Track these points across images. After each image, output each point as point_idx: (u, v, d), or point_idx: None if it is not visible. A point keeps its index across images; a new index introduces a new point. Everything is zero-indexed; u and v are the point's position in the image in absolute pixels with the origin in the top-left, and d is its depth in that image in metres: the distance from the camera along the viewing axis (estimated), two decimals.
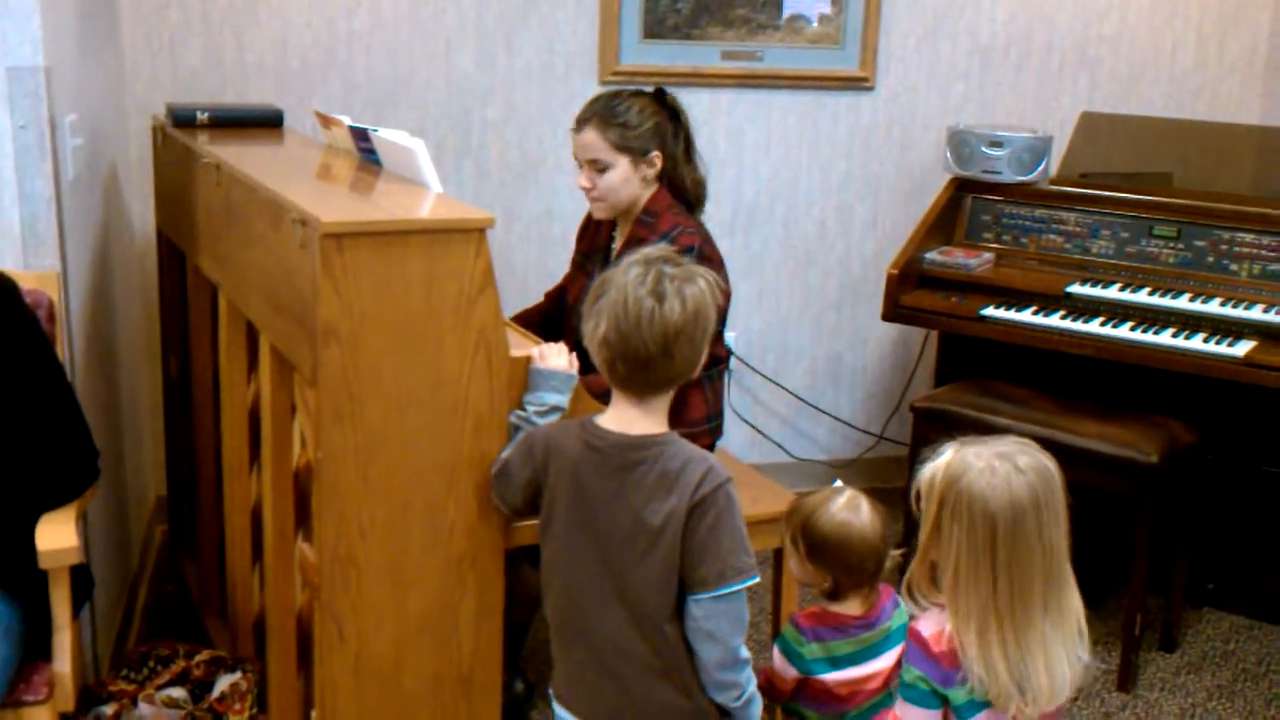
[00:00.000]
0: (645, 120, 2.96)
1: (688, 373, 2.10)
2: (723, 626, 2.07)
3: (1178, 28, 4.70)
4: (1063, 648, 1.97)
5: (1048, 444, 2.04)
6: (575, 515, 2.13)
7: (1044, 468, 1.96)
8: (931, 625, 2.00)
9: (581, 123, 2.97)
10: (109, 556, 3.15)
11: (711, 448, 2.95)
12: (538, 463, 2.18)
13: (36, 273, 2.58)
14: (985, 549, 1.93)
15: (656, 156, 2.97)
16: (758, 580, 2.10)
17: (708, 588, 2.05)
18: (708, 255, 2.90)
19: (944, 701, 2.00)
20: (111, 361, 3.32)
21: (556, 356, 2.34)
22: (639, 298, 2.02)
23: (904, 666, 2.05)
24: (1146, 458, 3.30)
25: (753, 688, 2.14)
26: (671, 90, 3.11)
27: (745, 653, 2.11)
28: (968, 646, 1.94)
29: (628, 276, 2.05)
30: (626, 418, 2.11)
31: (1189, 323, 3.58)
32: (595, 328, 2.07)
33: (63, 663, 2.28)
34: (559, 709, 2.23)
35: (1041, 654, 1.94)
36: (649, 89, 3.08)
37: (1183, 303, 3.60)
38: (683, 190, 3.05)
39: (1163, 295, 3.65)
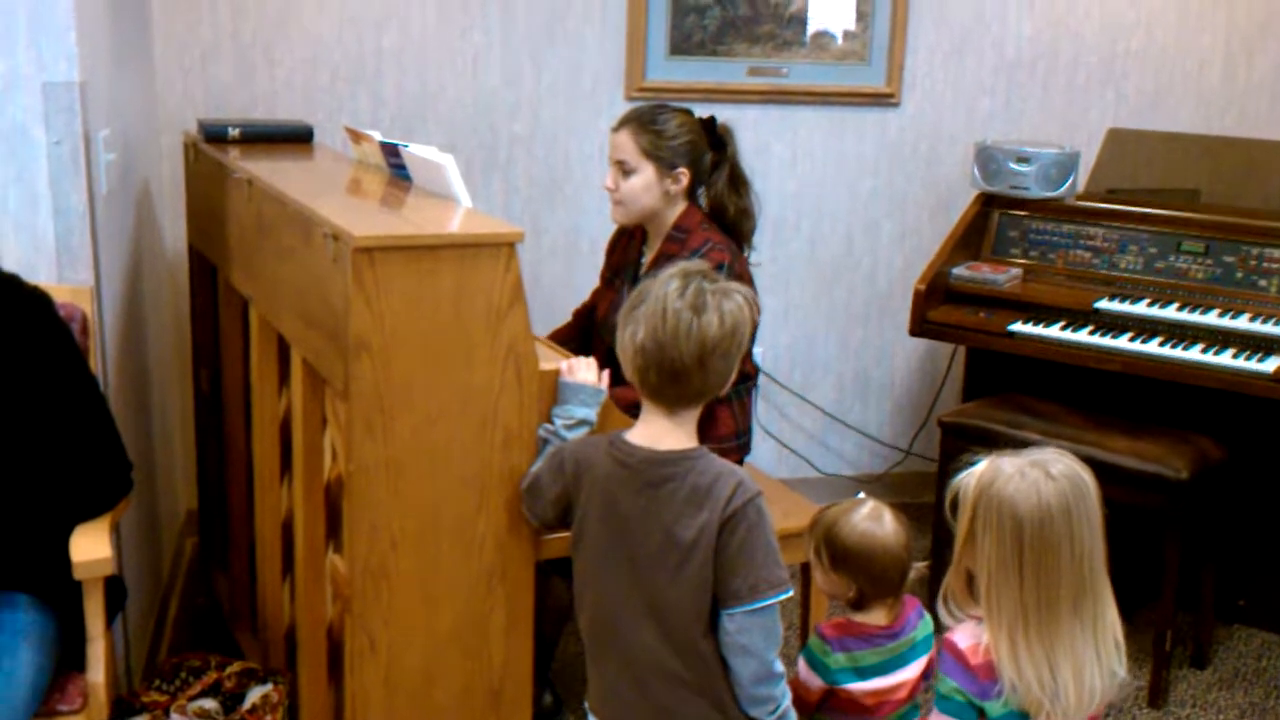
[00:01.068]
0: (681, 135, 2.97)
1: (719, 388, 2.11)
2: (757, 640, 2.07)
3: (1205, 43, 4.69)
4: (1095, 659, 1.96)
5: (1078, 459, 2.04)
6: (606, 531, 2.13)
7: (1077, 476, 1.96)
8: (968, 637, 2.01)
9: (620, 124, 3.01)
10: (141, 568, 3.17)
11: (740, 464, 2.95)
12: (568, 478, 2.19)
13: (70, 286, 2.60)
14: (1013, 553, 1.93)
15: (683, 174, 2.98)
16: (791, 594, 2.10)
17: (741, 601, 2.05)
18: (739, 273, 2.91)
19: (980, 713, 2.00)
20: (143, 375, 3.35)
21: (585, 370, 2.35)
22: (677, 310, 2.03)
23: (939, 678, 2.05)
24: (1176, 473, 3.29)
25: (787, 702, 2.14)
26: (697, 106, 3.12)
27: (780, 667, 2.11)
28: (1001, 653, 1.94)
29: (667, 288, 2.05)
30: (655, 432, 2.12)
31: (1217, 338, 3.56)
32: (632, 335, 2.07)
33: (96, 673, 2.30)
34: (591, 718, 2.23)
35: (1070, 663, 1.94)
36: (699, 111, 3.09)
37: (1211, 318, 3.59)
38: (723, 217, 3.06)
39: (1191, 311, 3.64)
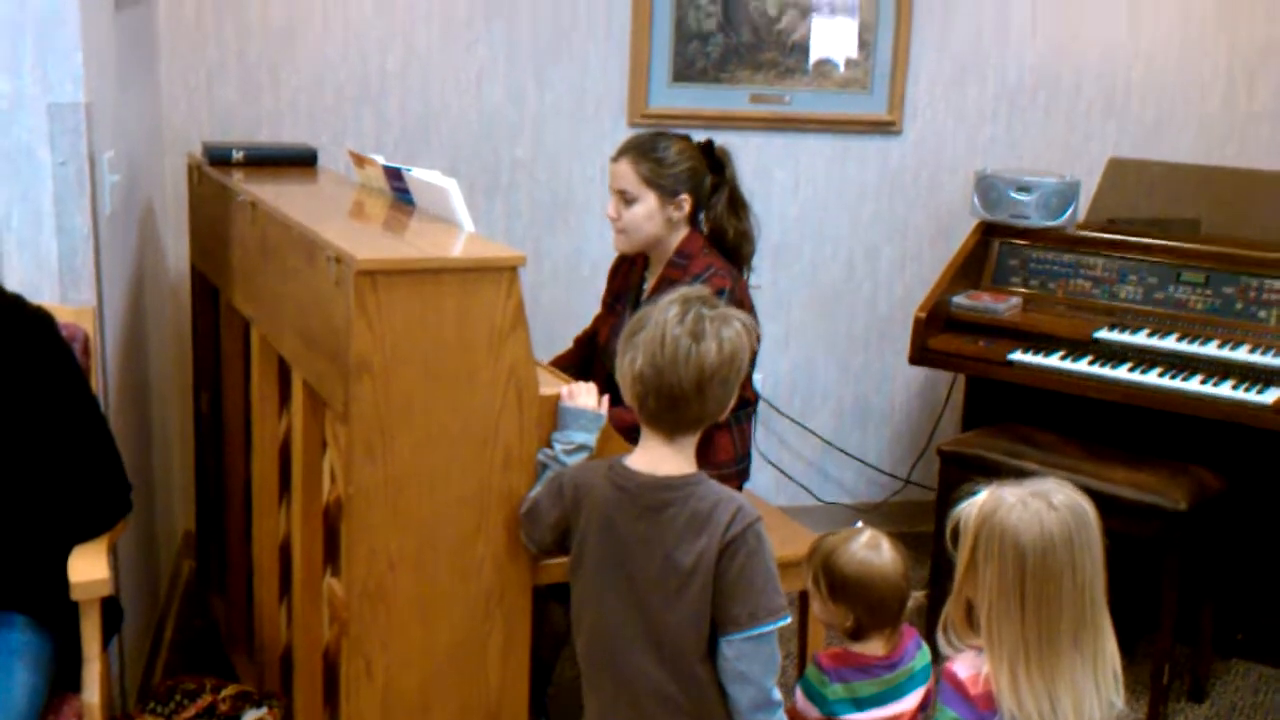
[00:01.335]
0: (681, 162, 2.98)
1: (717, 414, 2.11)
2: (755, 668, 2.07)
3: (1206, 73, 4.71)
4: (1095, 690, 1.96)
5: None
6: (605, 556, 2.13)
7: (1079, 506, 1.96)
8: (968, 667, 2.00)
9: (620, 153, 3.02)
10: (137, 590, 3.16)
11: (739, 490, 2.95)
12: (567, 503, 2.19)
13: (73, 307, 2.61)
14: (1015, 583, 1.93)
15: (685, 200, 2.99)
16: (789, 620, 2.10)
17: (740, 628, 2.05)
18: (739, 299, 2.91)
19: None
20: (144, 396, 3.35)
21: (585, 395, 2.35)
22: (676, 336, 2.04)
23: (938, 708, 2.04)
24: (1174, 505, 3.29)
25: None
26: (699, 132, 3.14)
27: (777, 694, 2.11)
28: (1001, 684, 1.94)
29: (666, 315, 2.07)
30: (654, 458, 2.12)
31: (1217, 369, 3.57)
32: (631, 362, 2.08)
33: (91, 694, 2.29)
34: None
35: (1070, 694, 1.94)
36: (699, 136, 3.10)
37: (1211, 349, 3.59)
38: (723, 240, 3.07)
39: (1190, 341, 3.64)
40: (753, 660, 2.07)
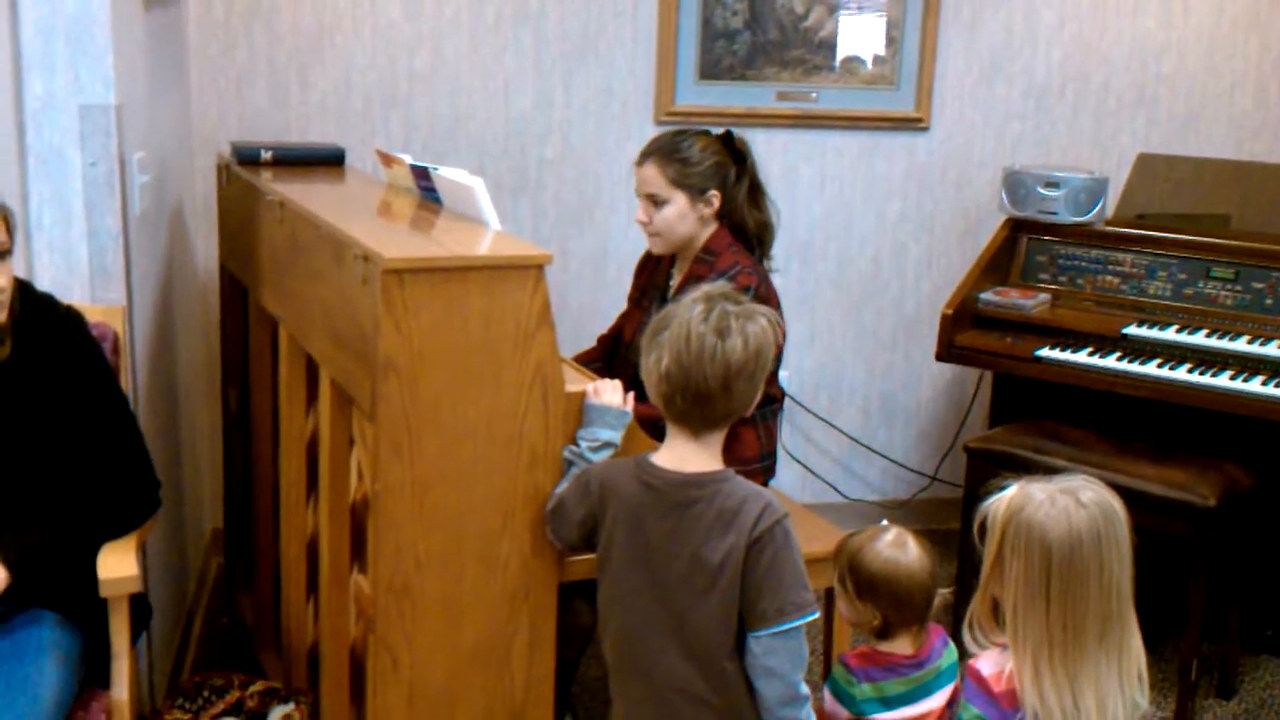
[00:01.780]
0: (706, 159, 2.98)
1: (743, 410, 2.12)
2: (783, 663, 2.07)
3: (1237, 67, 4.68)
4: (1119, 689, 1.95)
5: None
6: (632, 554, 2.14)
7: (1107, 504, 1.95)
8: (992, 665, 2.00)
9: (644, 157, 3.02)
10: (166, 587, 3.19)
11: (764, 486, 2.95)
12: (594, 500, 2.19)
13: (103, 306, 2.63)
14: (1041, 580, 1.93)
15: (715, 196, 3.00)
16: (817, 615, 2.11)
17: (768, 624, 2.06)
18: (764, 295, 2.91)
19: None
20: (173, 394, 3.37)
21: (611, 393, 2.36)
22: (701, 334, 2.04)
23: (963, 704, 2.04)
24: (1204, 501, 3.27)
25: None
26: (720, 128, 3.13)
27: (805, 689, 2.12)
28: (1025, 680, 1.94)
29: (691, 313, 2.07)
30: (682, 455, 2.13)
31: (1247, 365, 3.54)
32: (657, 361, 2.08)
33: (120, 690, 2.31)
34: None
35: (1093, 691, 1.93)
36: (716, 129, 3.10)
37: (1241, 345, 3.57)
38: (744, 231, 3.07)
39: (1220, 337, 3.62)
40: (781, 656, 2.07)
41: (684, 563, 2.08)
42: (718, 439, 2.14)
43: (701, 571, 2.07)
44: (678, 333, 2.06)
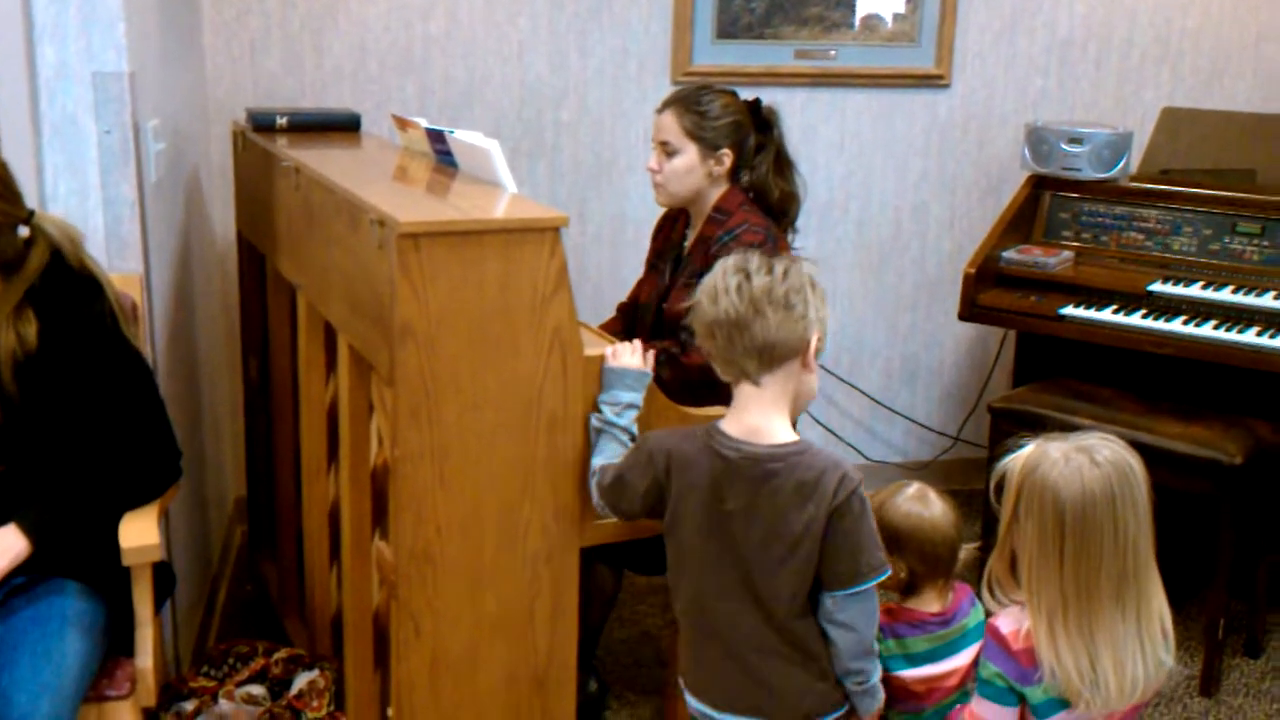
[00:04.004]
0: (724, 116, 2.96)
1: (791, 341, 2.10)
2: (857, 618, 2.12)
3: (1263, 19, 4.61)
4: (1139, 648, 1.94)
5: (1128, 444, 2.02)
6: (706, 523, 2.14)
7: (1124, 462, 1.94)
8: (1010, 622, 2.00)
9: (665, 105, 3.01)
10: (190, 556, 3.20)
11: None
12: (659, 470, 2.18)
13: (120, 275, 2.62)
14: (1054, 539, 1.93)
15: (727, 155, 2.97)
16: (890, 573, 2.15)
17: (845, 585, 2.10)
18: (772, 254, 2.88)
19: (1021, 699, 1.99)
20: (192, 363, 3.37)
21: (629, 355, 2.35)
22: (726, 273, 2.13)
23: (981, 662, 2.05)
24: (1230, 458, 3.24)
25: (877, 678, 2.19)
26: (744, 89, 3.10)
27: (876, 644, 2.17)
28: (1040, 639, 1.94)
29: (715, 274, 2.14)
30: (752, 423, 2.13)
31: (1273, 321, 3.50)
32: (699, 319, 2.14)
33: (145, 658, 2.32)
34: (691, 700, 2.25)
35: (1110, 651, 1.93)
36: (744, 95, 3.08)
37: (1267, 300, 3.53)
38: (768, 200, 3.04)
39: (1246, 293, 3.58)
40: (855, 612, 2.12)
41: (761, 533, 2.10)
42: (780, 389, 2.13)
43: (780, 541, 2.09)
44: (707, 284, 2.14)
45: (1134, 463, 1.95)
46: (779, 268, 2.12)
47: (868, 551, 2.10)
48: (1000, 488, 2.03)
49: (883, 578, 2.13)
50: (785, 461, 2.10)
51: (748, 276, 2.10)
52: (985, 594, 2.08)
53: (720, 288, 2.11)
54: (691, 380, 2.36)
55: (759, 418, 2.13)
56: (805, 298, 2.11)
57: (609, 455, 2.29)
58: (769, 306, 2.08)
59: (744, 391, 2.14)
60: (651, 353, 2.40)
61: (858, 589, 2.10)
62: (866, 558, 2.10)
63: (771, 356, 2.10)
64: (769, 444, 2.11)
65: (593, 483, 2.29)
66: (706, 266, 2.91)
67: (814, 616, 2.14)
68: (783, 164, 3.08)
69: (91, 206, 2.63)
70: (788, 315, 2.09)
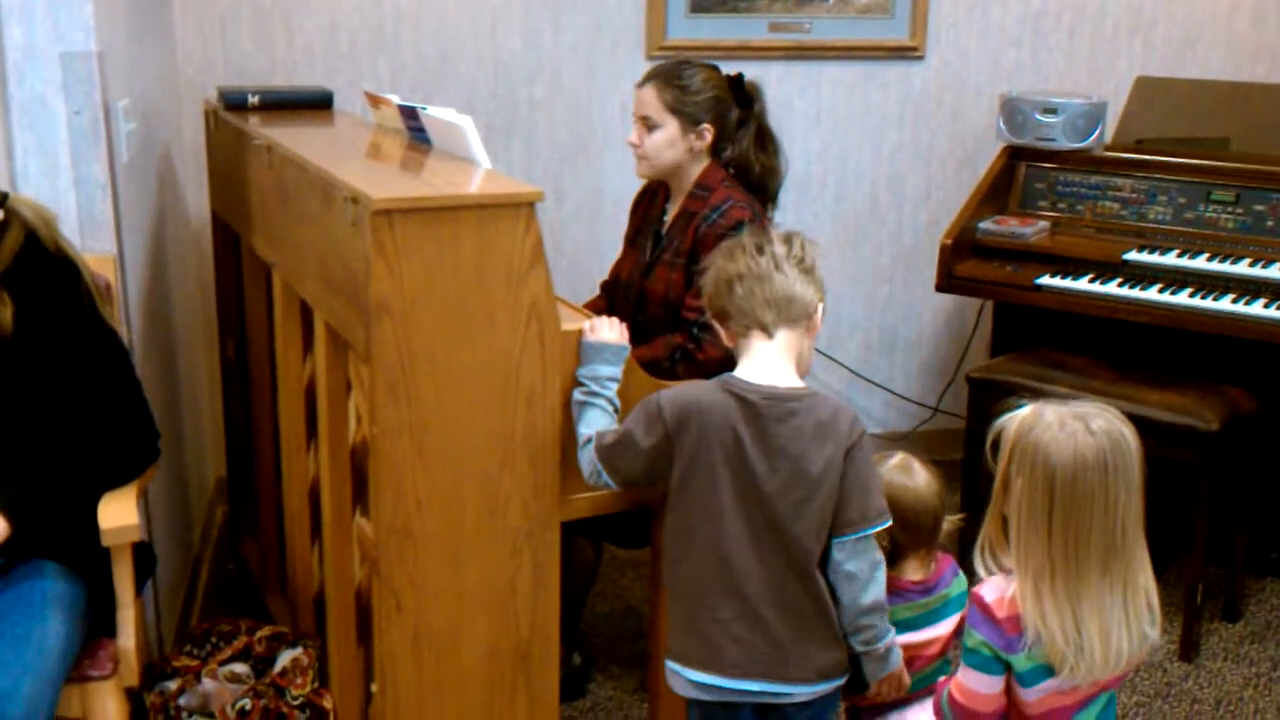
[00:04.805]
0: (705, 91, 2.96)
1: (808, 302, 2.23)
2: (864, 567, 2.17)
3: None
4: (1124, 620, 1.95)
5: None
6: (726, 471, 2.16)
7: (1119, 434, 1.94)
8: (994, 590, 2.01)
9: (646, 78, 3.01)
10: (171, 536, 3.19)
11: None
12: (669, 424, 2.18)
13: (94, 255, 2.61)
14: (1044, 503, 1.93)
15: (707, 130, 2.97)
16: (890, 523, 2.20)
17: (854, 528, 2.16)
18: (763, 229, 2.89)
19: (1006, 668, 2.00)
20: (169, 344, 3.36)
21: (608, 330, 2.34)
22: (743, 241, 2.25)
23: (966, 631, 2.05)
24: (1207, 425, 3.26)
25: (886, 641, 2.22)
26: (719, 64, 3.10)
27: (883, 598, 2.20)
28: (1027, 601, 1.95)
29: (730, 242, 2.27)
30: (767, 370, 2.19)
31: (1249, 288, 3.52)
32: (716, 278, 2.24)
33: (127, 639, 2.31)
34: (692, 673, 2.22)
35: (1096, 619, 1.93)
36: (729, 70, 3.07)
37: (1242, 268, 3.55)
38: (749, 176, 3.04)
39: (1221, 261, 3.60)
40: (861, 560, 2.16)
41: (783, 475, 2.14)
42: (789, 346, 2.22)
43: (801, 483, 2.14)
44: (723, 249, 2.27)
45: (1130, 435, 1.95)
46: (795, 240, 2.24)
47: (874, 494, 2.17)
48: (995, 448, 2.03)
49: (884, 525, 2.18)
50: (803, 402, 2.16)
51: (767, 241, 2.22)
52: (977, 559, 2.07)
53: (738, 249, 2.22)
54: (708, 375, 2.35)
55: (773, 365, 2.20)
56: (817, 268, 2.25)
57: (598, 423, 2.28)
58: (789, 265, 2.20)
59: (756, 344, 2.21)
60: (628, 326, 2.40)
61: (864, 533, 2.15)
62: (874, 500, 2.17)
63: (790, 310, 2.20)
64: (785, 387, 2.18)
65: (587, 450, 2.28)
66: (689, 243, 2.92)
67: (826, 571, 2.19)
68: (764, 139, 3.08)
69: (63, 187, 2.61)
70: (807, 277, 2.22)
